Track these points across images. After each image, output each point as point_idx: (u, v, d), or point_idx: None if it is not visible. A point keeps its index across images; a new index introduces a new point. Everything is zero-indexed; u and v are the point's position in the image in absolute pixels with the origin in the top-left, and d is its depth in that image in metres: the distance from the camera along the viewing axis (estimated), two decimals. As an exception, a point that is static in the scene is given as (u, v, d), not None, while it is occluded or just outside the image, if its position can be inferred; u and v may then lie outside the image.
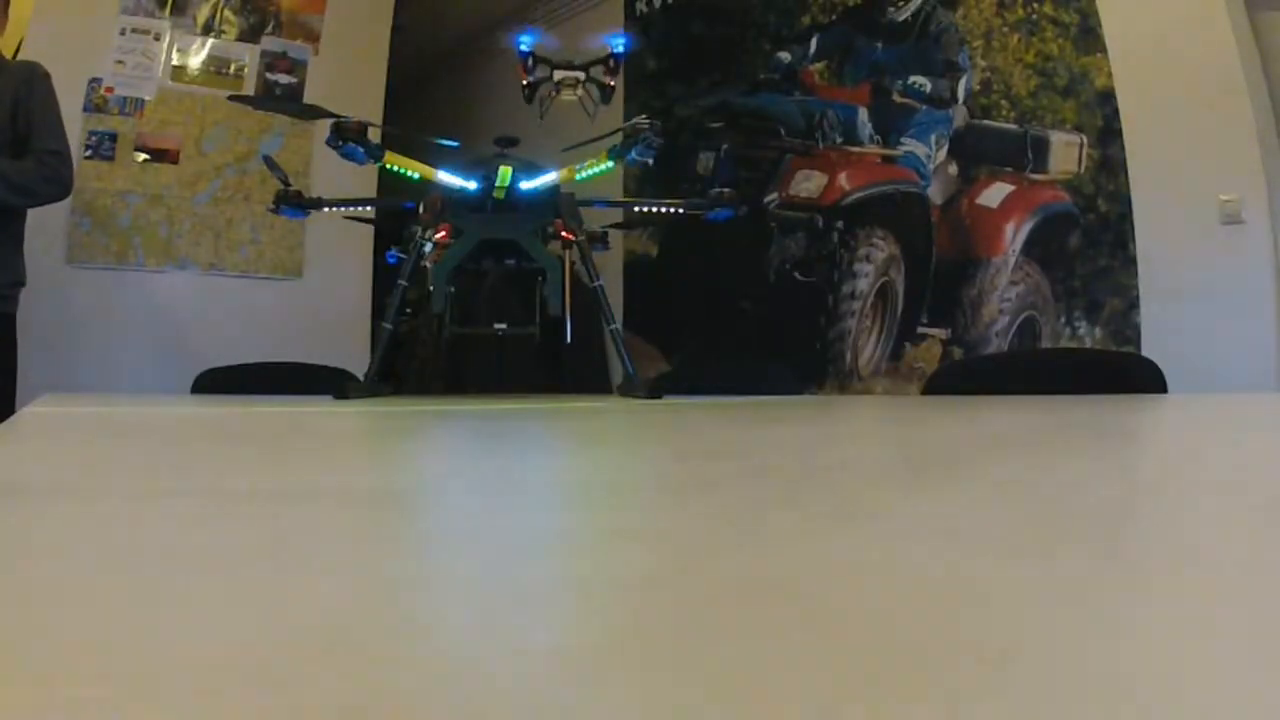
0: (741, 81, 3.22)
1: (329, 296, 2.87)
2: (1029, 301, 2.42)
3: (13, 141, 1.86)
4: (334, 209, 1.53)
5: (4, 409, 1.76)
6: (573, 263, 1.37)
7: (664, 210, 1.60)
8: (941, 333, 2.61)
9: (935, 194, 2.65)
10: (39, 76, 1.93)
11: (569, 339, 1.36)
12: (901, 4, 2.75)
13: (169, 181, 2.67)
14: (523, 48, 1.28)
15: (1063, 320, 2.34)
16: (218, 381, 1.70)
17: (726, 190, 1.49)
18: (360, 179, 2.46)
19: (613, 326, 1.36)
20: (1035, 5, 2.42)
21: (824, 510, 0.27)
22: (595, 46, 1.34)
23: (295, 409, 0.96)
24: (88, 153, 2.56)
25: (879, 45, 2.81)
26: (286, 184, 1.45)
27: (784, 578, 0.17)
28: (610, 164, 1.34)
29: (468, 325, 1.43)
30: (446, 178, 1.30)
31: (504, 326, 1.38)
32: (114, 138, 2.61)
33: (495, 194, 1.29)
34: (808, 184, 2.96)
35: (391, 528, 0.25)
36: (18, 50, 2.40)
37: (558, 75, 1.31)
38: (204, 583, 0.17)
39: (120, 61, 2.63)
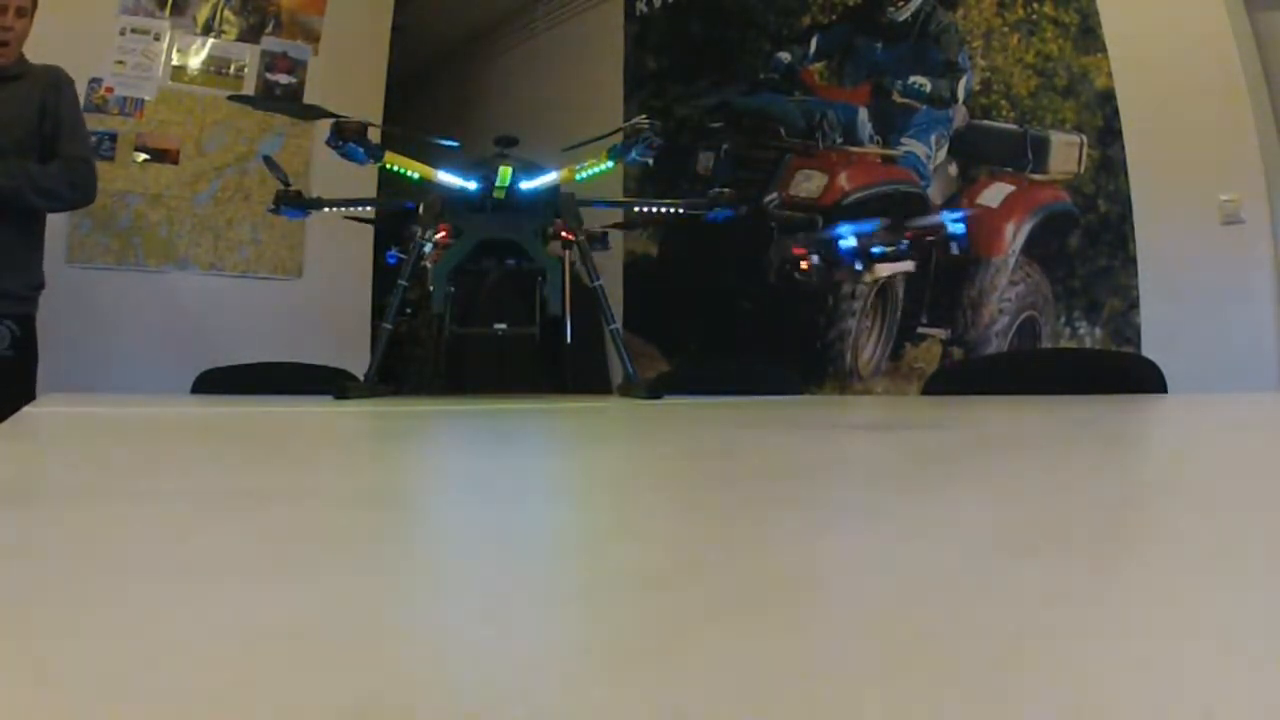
0: (741, 81, 3.22)
1: (329, 296, 2.87)
2: (1029, 301, 2.42)
3: (40, 145, 1.86)
4: (334, 209, 1.53)
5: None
6: (573, 263, 1.37)
7: (664, 210, 1.60)
8: (941, 333, 2.61)
9: (935, 194, 2.65)
10: (66, 82, 1.93)
11: (569, 339, 1.36)
12: (901, 4, 2.75)
13: (169, 181, 2.67)
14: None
15: (1063, 320, 2.35)
16: (218, 381, 1.70)
17: (726, 190, 1.49)
18: (360, 179, 2.46)
19: (613, 326, 1.36)
20: (1035, 5, 2.42)
21: (823, 510, 0.27)
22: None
23: (295, 409, 0.96)
24: (87, 153, 2.56)
25: (879, 45, 2.81)
26: (286, 184, 1.45)
27: (783, 577, 0.17)
28: (610, 164, 1.34)
29: (468, 325, 1.43)
30: (446, 178, 1.30)
31: (504, 326, 1.38)
32: (114, 138, 2.61)
33: (495, 194, 1.29)
34: (808, 184, 2.97)
35: (391, 528, 0.25)
36: (18, 50, 2.39)
37: None
38: (203, 584, 0.17)
39: (120, 61, 2.63)
